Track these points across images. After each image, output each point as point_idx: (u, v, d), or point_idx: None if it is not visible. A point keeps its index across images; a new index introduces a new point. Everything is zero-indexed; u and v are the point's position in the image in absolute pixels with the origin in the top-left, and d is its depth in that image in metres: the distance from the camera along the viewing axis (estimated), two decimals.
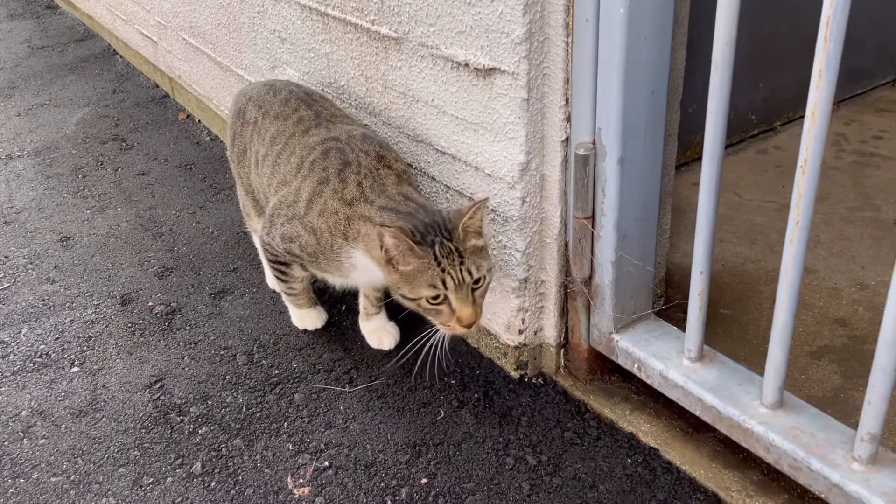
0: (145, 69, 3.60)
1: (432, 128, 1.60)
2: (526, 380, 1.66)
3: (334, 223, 1.49)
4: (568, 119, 1.38)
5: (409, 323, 1.73)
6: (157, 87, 3.48)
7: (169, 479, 1.50)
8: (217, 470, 1.51)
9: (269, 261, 1.71)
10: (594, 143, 1.36)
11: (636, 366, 1.47)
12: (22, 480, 1.51)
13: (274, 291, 1.99)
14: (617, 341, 1.50)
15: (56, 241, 2.33)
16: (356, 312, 1.83)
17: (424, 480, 1.45)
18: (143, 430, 1.62)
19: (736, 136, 2.53)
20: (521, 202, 1.46)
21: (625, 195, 1.38)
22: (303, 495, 1.44)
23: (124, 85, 3.55)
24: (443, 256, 1.34)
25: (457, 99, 1.50)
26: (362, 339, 1.81)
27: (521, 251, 1.51)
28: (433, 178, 1.67)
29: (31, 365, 1.82)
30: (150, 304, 2.02)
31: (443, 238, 1.36)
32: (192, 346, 1.85)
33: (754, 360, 1.54)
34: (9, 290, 2.11)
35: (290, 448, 1.54)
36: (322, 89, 1.98)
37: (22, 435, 1.62)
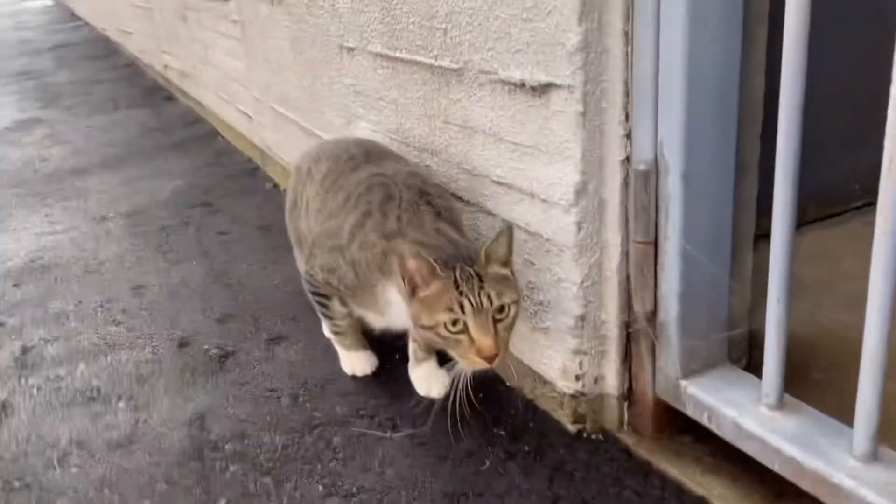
0: (241, 145, 3.74)
1: (489, 158, 1.53)
2: (584, 435, 1.49)
3: (373, 256, 1.48)
4: (628, 136, 1.28)
5: None
6: (250, 160, 3.59)
7: None
8: None
9: (311, 293, 1.69)
10: (656, 159, 1.25)
11: (706, 415, 1.29)
12: None
13: (329, 339, 1.92)
14: (685, 388, 1.33)
15: (129, 288, 2.36)
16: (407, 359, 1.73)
17: None
18: (175, 465, 1.54)
19: (838, 206, 2.34)
20: (576, 228, 1.35)
21: (690, 216, 1.25)
22: None
23: (221, 160, 3.69)
24: (462, 281, 1.31)
25: (513, 123, 1.43)
26: (411, 385, 1.69)
27: (578, 284, 1.38)
28: (490, 213, 1.59)
29: (80, 399, 1.80)
30: (206, 347, 1.98)
31: (464, 264, 1.33)
32: (239, 386, 1.79)
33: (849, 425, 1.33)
34: (75, 330, 2.12)
35: (320, 490, 1.42)
36: (389, 137, 1.96)
37: (56, 463, 1.57)
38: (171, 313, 2.18)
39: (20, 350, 2.03)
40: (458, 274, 1.31)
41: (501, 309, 1.32)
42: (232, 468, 1.51)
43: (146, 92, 5.48)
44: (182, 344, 2.00)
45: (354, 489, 1.42)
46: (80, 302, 2.29)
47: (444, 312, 1.31)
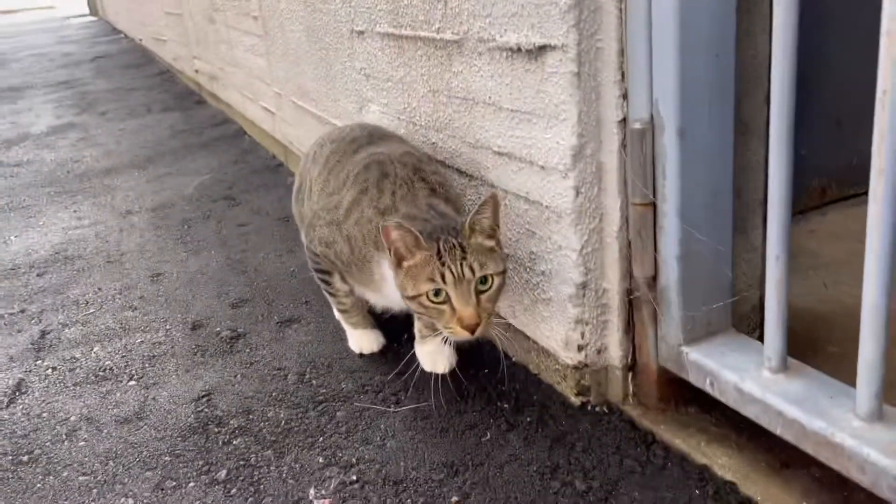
0: (266, 143, 3.78)
1: (490, 128, 1.52)
2: (588, 408, 1.46)
3: (368, 231, 1.50)
4: (624, 96, 1.26)
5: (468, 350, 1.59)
6: (274, 157, 3.62)
7: (191, 484, 1.40)
8: (241, 478, 1.40)
9: (314, 270, 1.72)
10: (652, 117, 1.22)
11: (708, 381, 1.26)
12: (51, 478, 1.47)
13: (339, 321, 1.91)
14: (686, 354, 1.29)
15: (148, 276, 2.39)
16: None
17: (455, 499, 1.27)
18: (179, 438, 1.54)
19: (860, 187, 2.27)
20: (574, 193, 1.32)
21: (688, 175, 1.22)
22: None
23: (246, 157, 3.73)
24: (445, 251, 1.32)
25: (511, 90, 1.42)
26: (419, 363, 1.68)
27: (577, 251, 1.36)
28: (492, 185, 1.57)
29: (92, 378, 1.82)
30: (218, 329, 1.99)
31: (448, 235, 1.34)
32: (248, 366, 1.79)
33: None
34: (93, 315, 2.15)
35: (320, 461, 1.42)
36: (398, 118, 1.96)
37: (65, 437, 1.59)
38: (186, 299, 2.20)
39: (39, 334, 2.06)
40: (441, 245, 1.33)
41: (484, 280, 1.34)
42: (235, 441, 1.51)
43: (178, 97, 5.58)
44: (195, 327, 2.02)
45: (354, 460, 1.40)
46: (100, 289, 2.32)
47: (426, 282, 1.33)
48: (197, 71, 5.28)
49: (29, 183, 3.66)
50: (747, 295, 1.54)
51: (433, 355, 1.64)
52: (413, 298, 1.36)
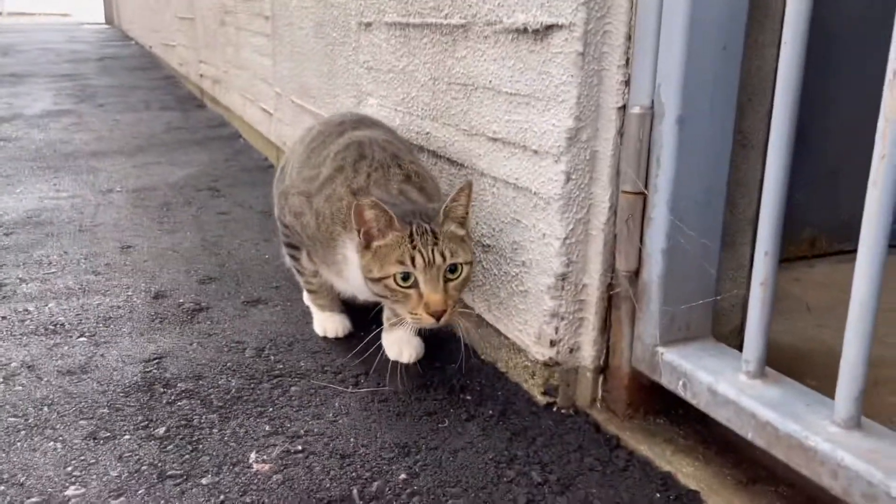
0: (259, 145, 3.74)
1: (486, 114, 1.49)
2: (554, 408, 1.40)
3: (337, 210, 1.47)
4: (627, 83, 1.23)
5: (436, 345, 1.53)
6: (266, 159, 3.59)
7: (126, 437, 1.32)
8: (180, 437, 1.32)
9: (284, 244, 1.70)
10: (652, 103, 1.19)
11: (681, 383, 1.20)
12: None
13: (308, 307, 1.85)
14: (661, 354, 1.24)
15: (117, 248, 2.31)
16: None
17: (403, 476, 1.19)
18: (122, 394, 1.46)
19: (851, 243, 2.24)
20: (565, 178, 1.28)
21: (682, 167, 1.18)
22: (261, 471, 1.22)
23: (238, 157, 3.69)
24: (417, 235, 1.30)
25: (512, 72, 1.39)
26: (383, 350, 1.61)
27: (561, 239, 1.31)
28: (482, 174, 1.53)
29: (42, 330, 1.73)
30: (181, 301, 1.92)
31: (421, 220, 1.32)
32: (206, 336, 1.72)
33: None
34: (53, 275, 2.07)
35: (266, 429, 1.34)
36: (395, 110, 1.93)
37: (1, 381, 1.50)
38: (152, 271, 2.12)
39: None
40: (413, 228, 1.30)
41: (454, 268, 1.32)
42: (179, 403, 1.43)
43: (179, 99, 5.57)
44: (157, 296, 1.94)
45: (302, 431, 1.33)
46: (66, 253, 2.25)
47: (395, 265, 1.30)
48: (202, 75, 5.28)
49: (12, 156, 3.59)
50: (730, 315, 1.50)
51: (399, 343, 1.58)
52: (378, 280, 1.32)
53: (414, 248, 1.29)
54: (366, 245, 1.35)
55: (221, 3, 4.24)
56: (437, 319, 1.29)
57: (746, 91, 1.32)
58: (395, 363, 1.56)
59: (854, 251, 2.24)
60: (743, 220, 1.42)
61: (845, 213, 2.22)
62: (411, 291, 1.30)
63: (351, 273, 1.48)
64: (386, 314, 1.62)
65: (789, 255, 2.17)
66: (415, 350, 1.57)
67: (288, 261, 1.77)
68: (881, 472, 0.90)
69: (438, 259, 1.29)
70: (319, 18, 2.53)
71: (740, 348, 1.25)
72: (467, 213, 1.37)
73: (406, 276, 1.30)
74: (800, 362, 1.62)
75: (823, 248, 2.22)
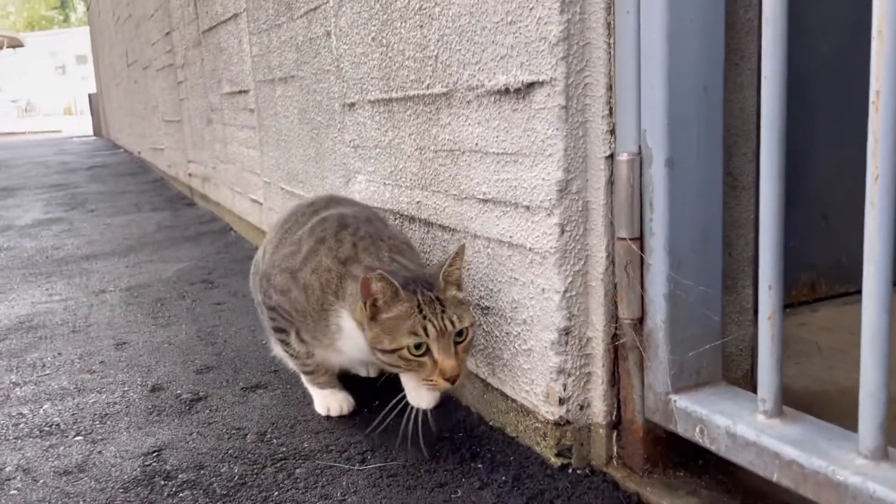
0: (251, 236, 3.75)
1: (474, 177, 1.49)
2: (569, 470, 1.35)
3: (327, 280, 1.48)
4: (612, 132, 1.24)
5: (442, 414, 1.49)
6: (258, 248, 3.58)
7: None
8: None
9: (272, 329, 1.68)
10: (640, 149, 1.20)
11: (698, 429, 1.16)
12: None
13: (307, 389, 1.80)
14: (675, 402, 1.20)
15: (112, 345, 2.28)
16: (387, 402, 1.62)
17: None
18: (121, 490, 1.41)
19: (851, 284, 2.23)
20: (559, 231, 1.28)
21: (676, 209, 1.18)
22: None
23: (230, 249, 3.69)
24: (425, 304, 1.33)
25: (497, 132, 1.40)
26: (388, 425, 1.57)
27: (561, 293, 1.29)
28: (476, 236, 1.52)
29: (37, 432, 1.68)
30: (179, 392, 1.87)
31: (423, 289, 1.35)
32: (206, 425, 1.67)
33: None
34: (48, 377, 2.03)
35: None
36: (384, 183, 1.94)
37: None
38: (149, 364, 2.09)
39: None
40: (419, 297, 1.33)
41: (461, 333, 1.35)
42: (181, 494, 1.38)
43: (169, 199, 5.62)
44: (154, 389, 1.90)
45: None
46: (60, 354, 2.21)
47: (407, 336, 1.32)
48: (190, 174, 5.34)
49: (4, 266, 3.58)
50: (739, 360, 1.47)
51: (420, 388, 1.54)
52: (392, 352, 1.34)
53: (424, 318, 1.31)
54: (371, 317, 1.36)
55: (208, 102, 4.32)
56: (453, 383, 1.32)
57: (731, 133, 1.33)
58: (400, 434, 1.51)
59: (855, 293, 2.23)
60: (742, 262, 1.41)
61: (841, 255, 2.22)
62: (425, 359, 1.33)
63: (346, 343, 1.48)
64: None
65: (791, 299, 2.15)
66: (433, 397, 1.53)
67: (278, 349, 1.75)
68: None
69: (449, 326, 1.32)
70: (303, 105, 2.57)
71: (753, 392, 1.22)
72: (461, 277, 1.40)
73: (419, 346, 1.32)
74: (815, 404, 1.58)
75: (824, 292, 2.20)
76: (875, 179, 0.89)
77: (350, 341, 1.45)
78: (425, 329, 1.31)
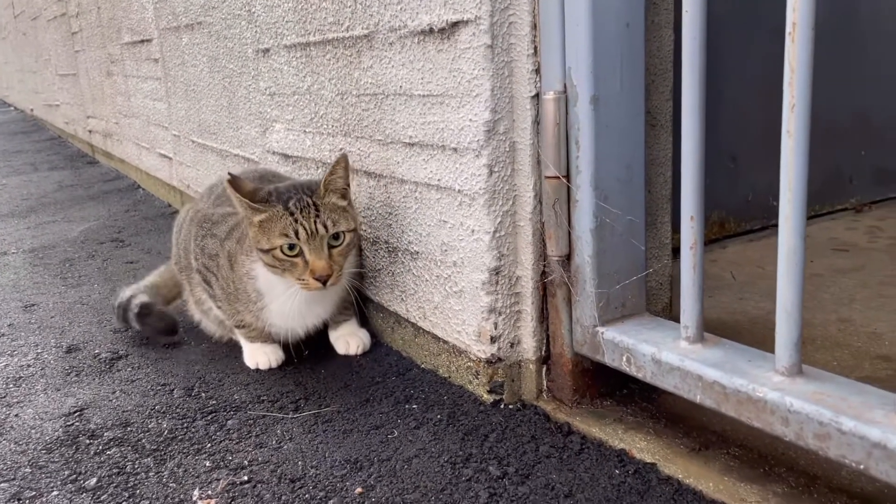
0: (161, 192, 3.62)
1: (400, 120, 1.48)
2: (501, 406, 1.38)
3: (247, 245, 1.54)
4: (537, 71, 1.25)
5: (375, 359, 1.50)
6: (170, 206, 3.47)
7: (54, 493, 1.22)
8: (114, 485, 1.23)
9: (203, 282, 1.69)
10: (565, 87, 1.21)
11: (625, 358, 1.21)
12: None
13: (237, 341, 1.77)
14: (602, 333, 1.24)
15: (20, 307, 2.18)
16: (320, 355, 1.62)
17: (359, 490, 1.15)
18: (44, 451, 1.36)
19: (757, 221, 2.35)
20: (488, 172, 1.28)
21: (601, 145, 1.20)
22: None
23: (139, 207, 3.56)
24: (298, 209, 1.41)
25: (423, 74, 1.39)
26: (320, 373, 1.57)
27: (491, 234, 1.31)
28: (403, 181, 1.52)
29: None
30: (97, 352, 1.81)
31: (302, 194, 1.43)
32: (129, 383, 1.62)
33: None
34: None
35: (207, 465, 1.27)
36: (304, 131, 1.90)
37: None
38: (61, 326, 2.00)
39: None
40: (292, 203, 1.41)
41: (337, 236, 1.44)
42: (109, 452, 1.34)
43: (68, 157, 5.35)
44: (70, 350, 1.83)
45: (246, 462, 1.26)
46: None
47: (279, 237, 1.41)
48: (90, 130, 5.09)
49: None
50: (659, 293, 1.53)
51: (346, 337, 1.67)
52: (267, 252, 1.42)
53: (296, 221, 1.40)
54: (250, 221, 1.45)
55: (107, 54, 4.11)
56: (324, 284, 1.41)
57: (650, 72, 1.36)
58: (332, 382, 1.51)
59: (759, 229, 2.33)
60: (660, 199, 1.46)
61: (748, 194, 2.32)
62: (297, 260, 1.42)
63: (267, 295, 1.55)
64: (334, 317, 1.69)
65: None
66: (363, 342, 1.67)
67: (201, 314, 1.81)
68: (830, 411, 0.92)
69: (321, 230, 1.41)
70: (213, 53, 2.48)
71: (675, 322, 1.27)
72: (348, 186, 1.48)
73: (292, 247, 1.41)
74: (729, 333, 1.66)
75: (733, 229, 2.30)
76: (791, 108, 0.92)
77: (266, 285, 1.53)
78: (296, 232, 1.40)
